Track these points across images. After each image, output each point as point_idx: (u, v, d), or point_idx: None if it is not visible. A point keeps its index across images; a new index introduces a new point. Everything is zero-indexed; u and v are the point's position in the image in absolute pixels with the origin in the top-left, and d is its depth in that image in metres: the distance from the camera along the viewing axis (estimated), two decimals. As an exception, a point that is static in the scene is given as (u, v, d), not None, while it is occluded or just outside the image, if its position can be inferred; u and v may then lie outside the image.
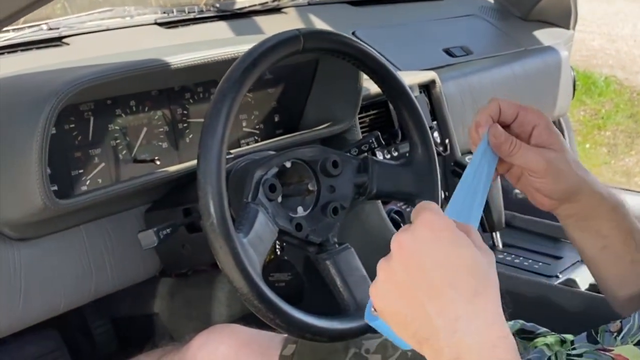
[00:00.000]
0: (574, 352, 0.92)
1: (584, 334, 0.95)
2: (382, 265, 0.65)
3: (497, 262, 1.48)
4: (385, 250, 1.47)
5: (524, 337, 1.09)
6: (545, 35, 2.38)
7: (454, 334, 0.60)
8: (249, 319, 1.21)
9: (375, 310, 0.68)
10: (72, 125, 1.12)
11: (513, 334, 1.06)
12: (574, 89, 2.38)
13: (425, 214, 0.64)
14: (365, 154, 1.29)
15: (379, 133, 1.32)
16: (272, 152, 1.22)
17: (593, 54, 5.55)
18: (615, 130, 4.69)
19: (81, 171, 1.13)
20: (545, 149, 0.88)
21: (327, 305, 1.15)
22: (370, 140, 1.30)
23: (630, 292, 0.94)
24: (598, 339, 0.92)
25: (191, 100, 1.28)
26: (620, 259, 0.93)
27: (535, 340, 1.07)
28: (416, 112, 1.20)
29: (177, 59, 1.11)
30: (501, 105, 0.89)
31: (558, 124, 2.44)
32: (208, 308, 1.60)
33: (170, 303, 1.62)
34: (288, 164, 1.11)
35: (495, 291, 0.63)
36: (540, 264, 1.49)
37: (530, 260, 1.50)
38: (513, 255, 1.53)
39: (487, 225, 1.57)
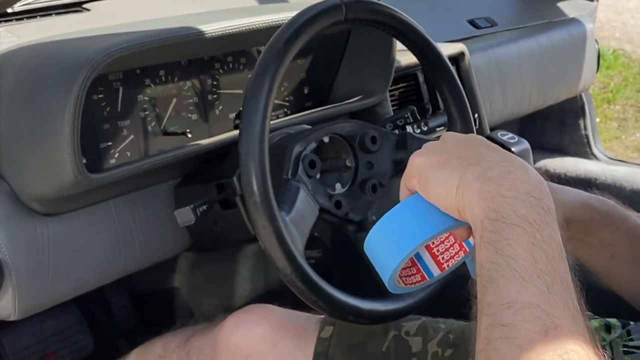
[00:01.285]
0: (631, 343, 0.89)
1: None
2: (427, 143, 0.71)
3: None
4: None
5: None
6: (569, 7, 2.31)
7: (505, 161, 0.64)
8: (280, 298, 1.17)
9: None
10: (101, 96, 1.08)
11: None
12: (599, 63, 2.32)
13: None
14: (401, 129, 1.25)
15: (414, 108, 1.28)
16: (307, 126, 1.17)
17: (600, 26, 5.45)
18: (625, 104, 4.64)
19: (110, 144, 1.09)
20: None
21: (357, 283, 1.12)
22: (406, 115, 1.26)
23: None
24: None
25: (221, 71, 1.23)
26: (631, 262, 0.90)
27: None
28: (456, 86, 1.16)
29: (212, 28, 1.06)
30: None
31: (580, 98, 2.39)
32: (230, 283, 1.57)
33: (191, 278, 1.59)
34: (326, 139, 1.07)
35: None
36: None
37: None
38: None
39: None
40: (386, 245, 0.69)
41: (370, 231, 0.70)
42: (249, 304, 1.54)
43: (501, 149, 0.67)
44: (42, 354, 1.47)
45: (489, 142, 0.68)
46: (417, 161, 0.68)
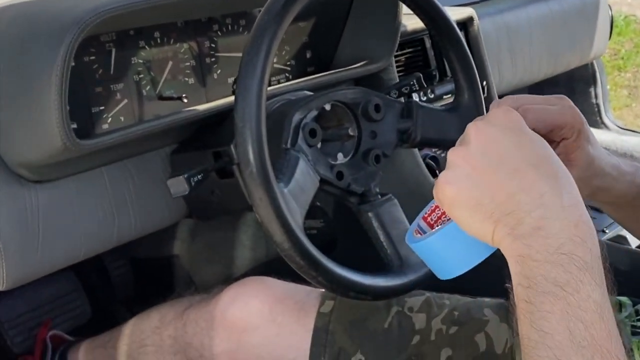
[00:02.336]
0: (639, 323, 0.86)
1: None
2: (456, 151, 0.64)
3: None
4: (420, 198, 1.40)
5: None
6: (581, -29, 2.24)
7: (538, 208, 0.59)
8: (282, 268, 1.14)
9: (427, 220, 0.70)
10: (92, 58, 1.03)
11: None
12: (612, 30, 2.25)
13: (498, 108, 0.66)
14: (406, 97, 1.20)
15: (421, 75, 1.22)
16: (308, 93, 1.13)
17: (610, -9, 5.37)
18: (636, 72, 4.57)
19: (102, 108, 1.05)
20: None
21: (360, 255, 1.08)
22: (412, 82, 1.21)
23: None
24: None
25: (219, 33, 1.18)
26: None
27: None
28: (464, 54, 1.11)
29: (208, -13, 1.01)
30: (538, 120, 0.75)
31: (591, 66, 2.33)
32: (231, 252, 1.53)
33: (191, 245, 1.56)
34: (327, 107, 1.02)
35: (573, 180, 0.62)
36: (585, 217, 1.40)
37: (574, 213, 1.41)
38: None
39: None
40: (451, 252, 0.68)
41: (431, 238, 0.68)
42: (250, 273, 1.52)
43: (541, 161, 0.62)
44: (38, 321, 1.44)
45: (524, 147, 0.62)
46: (447, 192, 0.63)
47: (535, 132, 0.67)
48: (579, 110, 0.79)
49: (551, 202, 0.59)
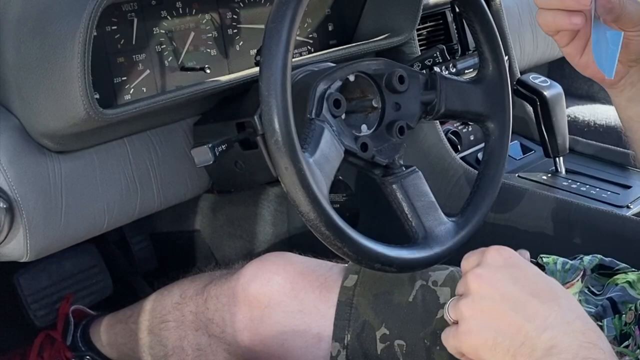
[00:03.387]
0: None
1: None
2: (463, 304, 0.70)
3: (561, 189, 1.39)
4: (442, 173, 1.38)
5: (602, 272, 1.01)
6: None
7: (546, 330, 0.65)
8: (303, 244, 1.13)
9: None
10: (114, 27, 1.02)
11: (591, 270, 0.99)
12: (637, 4, 2.21)
13: (491, 249, 0.73)
14: (429, 70, 1.18)
15: (444, 47, 1.21)
16: (331, 64, 1.11)
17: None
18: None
19: (124, 78, 1.04)
20: None
21: (383, 229, 1.07)
22: (435, 55, 1.19)
23: None
24: None
25: (241, 4, 1.16)
26: None
27: (615, 277, 0.99)
28: (489, 25, 1.09)
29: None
30: None
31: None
32: (252, 226, 1.53)
33: (213, 220, 1.56)
34: (351, 78, 1.01)
35: (571, 296, 0.71)
36: (609, 192, 1.38)
37: (597, 189, 1.39)
38: (578, 183, 1.42)
39: (550, 150, 1.46)
40: None
41: None
42: (271, 248, 1.52)
43: (539, 288, 0.69)
44: (61, 295, 1.44)
45: (520, 281, 0.69)
46: (467, 343, 0.70)
47: None
48: None
49: (556, 322, 0.66)
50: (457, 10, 1.53)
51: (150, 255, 1.60)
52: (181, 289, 1.11)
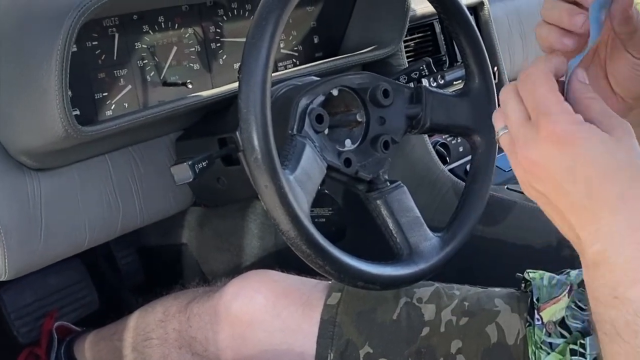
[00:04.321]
0: None
1: None
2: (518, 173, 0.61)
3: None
4: (430, 185, 1.36)
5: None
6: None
7: (594, 244, 0.56)
8: (291, 258, 1.12)
9: None
10: (95, 43, 1.01)
11: (578, 285, 0.97)
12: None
13: (544, 122, 0.58)
14: (416, 82, 1.18)
15: (430, 60, 1.20)
16: (315, 78, 1.10)
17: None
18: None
19: (105, 94, 1.03)
20: None
21: (370, 243, 1.06)
22: (421, 67, 1.18)
23: None
24: None
25: (225, 17, 1.15)
26: None
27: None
28: (475, 38, 1.09)
29: (213, -30, 0.98)
30: None
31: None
32: (239, 240, 1.52)
33: (200, 234, 1.54)
34: (335, 92, 1.00)
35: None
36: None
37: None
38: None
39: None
40: None
41: None
42: (258, 262, 1.50)
43: (609, 198, 0.56)
44: (45, 311, 1.43)
45: (589, 157, 0.56)
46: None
47: None
48: None
49: (606, 237, 0.56)
50: (443, 23, 1.52)
51: (137, 269, 1.58)
52: (164, 306, 1.10)
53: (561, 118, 0.57)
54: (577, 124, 0.57)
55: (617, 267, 0.55)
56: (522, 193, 1.41)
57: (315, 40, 1.31)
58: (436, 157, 1.42)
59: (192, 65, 1.12)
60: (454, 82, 1.53)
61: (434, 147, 1.44)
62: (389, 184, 1.00)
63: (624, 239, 0.56)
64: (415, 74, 1.19)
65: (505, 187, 1.45)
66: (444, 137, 1.50)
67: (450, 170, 1.45)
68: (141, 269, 1.62)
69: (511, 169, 1.56)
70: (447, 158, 1.47)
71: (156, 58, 1.07)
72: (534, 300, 0.94)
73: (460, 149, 1.53)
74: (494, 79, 1.61)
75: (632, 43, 0.69)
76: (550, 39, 0.69)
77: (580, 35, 0.66)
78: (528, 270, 1.02)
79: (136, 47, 1.05)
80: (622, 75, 0.72)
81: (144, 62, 1.06)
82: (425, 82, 1.42)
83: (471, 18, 1.09)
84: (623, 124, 0.59)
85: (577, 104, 0.60)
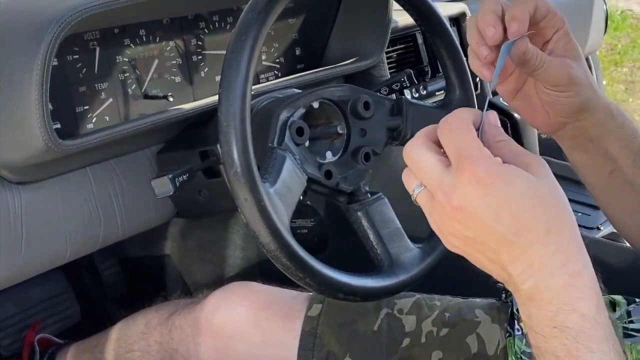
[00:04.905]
0: (632, 325, 0.84)
1: None
2: (434, 214, 0.61)
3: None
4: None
5: (569, 297, 1.00)
6: (577, -34, 2.22)
7: (528, 280, 0.58)
8: (272, 270, 1.12)
9: None
10: (76, 57, 1.01)
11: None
12: (607, 25, 2.24)
13: (467, 165, 0.58)
14: (398, 94, 1.18)
15: (411, 71, 1.21)
16: (296, 90, 1.11)
17: (607, -15, 5.35)
18: (633, 66, 4.55)
19: (86, 107, 1.03)
20: (565, 57, 0.77)
21: (352, 254, 1.06)
22: (402, 79, 1.19)
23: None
24: None
25: (206, 30, 1.16)
26: (630, 183, 0.84)
27: (583, 301, 0.99)
28: (455, 50, 1.09)
29: (194, -17, 0.99)
30: (538, 2, 0.75)
31: (587, 61, 2.31)
32: (222, 251, 1.52)
33: (182, 245, 1.54)
34: (315, 105, 1.01)
35: (569, 219, 0.59)
36: (580, 214, 1.38)
37: (568, 210, 1.40)
38: (549, 204, 1.42)
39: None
40: None
41: None
42: (241, 273, 1.50)
43: (536, 232, 0.57)
44: (27, 323, 1.42)
45: (513, 195, 0.57)
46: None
47: (536, 16, 0.72)
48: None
49: (539, 271, 0.57)
50: (424, 35, 1.53)
51: (119, 281, 1.58)
52: (146, 318, 1.10)
53: (483, 161, 0.58)
54: (498, 165, 0.58)
55: (554, 299, 0.57)
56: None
57: (297, 52, 1.32)
58: (419, 168, 1.42)
59: (173, 78, 1.12)
60: (437, 93, 1.54)
61: (416, 157, 1.44)
62: (369, 196, 1.00)
63: (555, 271, 0.57)
64: (397, 86, 1.20)
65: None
66: (426, 147, 1.51)
67: (433, 180, 1.45)
68: (124, 280, 1.61)
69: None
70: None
71: (137, 71, 1.07)
72: (514, 310, 0.95)
73: (443, 159, 1.53)
74: (476, 89, 1.63)
75: (539, 78, 0.77)
76: (470, 60, 0.75)
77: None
78: (506, 282, 1.03)
79: (117, 61, 1.05)
80: (544, 100, 0.80)
81: (125, 75, 1.06)
82: (407, 93, 1.43)
83: (452, 29, 1.10)
84: (537, 159, 0.60)
85: (491, 147, 0.61)
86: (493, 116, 0.64)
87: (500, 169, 0.58)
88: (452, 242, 0.61)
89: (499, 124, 0.64)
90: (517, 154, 0.61)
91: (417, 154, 0.62)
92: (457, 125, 0.61)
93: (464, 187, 0.58)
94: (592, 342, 0.56)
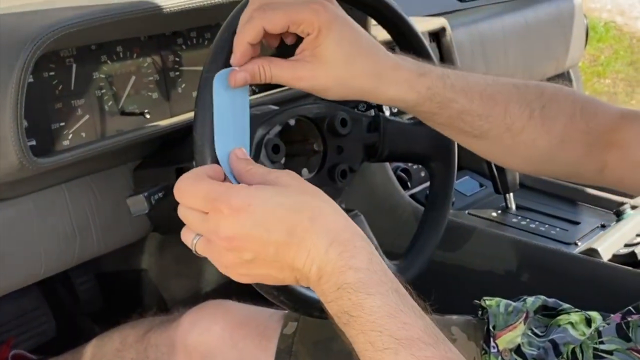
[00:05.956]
0: (602, 346, 0.84)
1: (613, 326, 0.86)
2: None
3: (511, 226, 1.40)
4: (391, 211, 1.37)
5: (545, 313, 1.01)
6: (557, -20, 2.25)
7: (312, 266, 0.65)
8: (244, 291, 1.12)
9: None
10: (52, 73, 1.00)
11: (534, 312, 0.99)
12: (587, 38, 2.26)
13: (219, 204, 0.66)
14: (375, 110, 1.19)
15: (389, 87, 1.21)
16: (272, 107, 1.11)
17: (590, -3, 5.40)
18: (615, 78, 4.60)
19: (62, 124, 1.02)
20: (301, 61, 0.80)
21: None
22: (380, 95, 1.19)
23: (521, 158, 0.90)
24: (630, 334, 0.84)
25: (184, 47, 1.16)
26: (486, 138, 0.88)
27: (558, 317, 0.99)
28: None
29: (171, 2, 0.99)
30: (266, 28, 0.78)
31: (568, 74, 2.33)
32: (199, 266, 1.51)
33: (159, 260, 1.53)
34: (292, 122, 1.01)
35: (328, 205, 0.69)
36: (558, 229, 1.39)
37: (546, 226, 1.40)
38: (528, 219, 1.43)
39: (500, 186, 1.47)
40: None
41: None
42: (218, 288, 1.50)
43: (300, 231, 0.66)
44: (1, 339, 1.41)
45: (283, 222, 0.66)
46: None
47: (271, 33, 0.77)
48: (329, 7, 0.78)
49: (318, 253, 0.65)
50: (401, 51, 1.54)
51: (96, 296, 1.57)
52: (122, 335, 1.09)
53: (230, 193, 0.66)
54: (245, 189, 0.67)
55: (334, 269, 0.64)
56: (483, 218, 1.44)
57: (276, 68, 1.32)
58: (397, 182, 1.43)
59: (150, 94, 1.12)
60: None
61: (395, 172, 1.45)
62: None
63: (328, 247, 0.65)
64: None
65: (467, 212, 1.47)
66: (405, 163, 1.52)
67: (412, 196, 1.46)
68: (100, 295, 1.60)
69: (473, 193, 1.59)
70: (409, 183, 1.49)
71: (114, 87, 1.07)
72: (490, 327, 0.95)
73: (422, 174, 1.54)
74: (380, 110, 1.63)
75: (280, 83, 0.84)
76: None
77: None
78: (484, 298, 1.03)
79: (94, 77, 1.05)
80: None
81: (102, 91, 1.06)
82: (386, 109, 1.44)
83: (428, 45, 1.10)
84: (284, 173, 0.70)
85: (243, 177, 0.71)
86: (240, 152, 0.74)
87: (249, 191, 0.66)
88: (240, 272, 0.68)
89: (248, 157, 0.74)
90: (264, 174, 0.70)
91: (184, 214, 0.70)
92: (187, 184, 0.70)
93: (227, 220, 0.65)
94: (370, 288, 0.63)
